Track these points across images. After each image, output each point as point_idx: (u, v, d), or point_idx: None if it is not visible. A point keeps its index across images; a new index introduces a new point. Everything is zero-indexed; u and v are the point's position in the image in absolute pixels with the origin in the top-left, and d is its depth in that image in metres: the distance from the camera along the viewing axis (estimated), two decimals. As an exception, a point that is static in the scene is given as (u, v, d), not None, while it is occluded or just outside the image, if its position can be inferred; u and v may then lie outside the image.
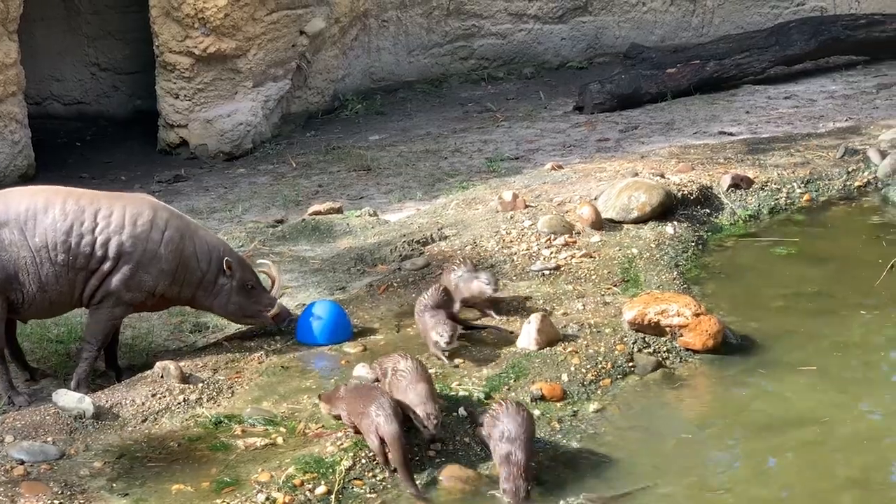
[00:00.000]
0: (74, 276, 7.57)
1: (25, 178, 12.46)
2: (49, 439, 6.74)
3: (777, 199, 10.41)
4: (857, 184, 10.75)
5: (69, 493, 6.15)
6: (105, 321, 7.77)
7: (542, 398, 7.13)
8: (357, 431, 6.57)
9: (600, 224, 9.54)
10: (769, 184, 10.54)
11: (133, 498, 6.16)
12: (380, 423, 6.35)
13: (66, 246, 7.50)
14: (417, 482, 6.36)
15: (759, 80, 15.58)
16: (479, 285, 8.07)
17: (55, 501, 6.03)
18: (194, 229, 7.95)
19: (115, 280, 7.64)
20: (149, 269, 7.67)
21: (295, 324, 8.08)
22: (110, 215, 7.61)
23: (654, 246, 9.28)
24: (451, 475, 6.44)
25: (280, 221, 11.02)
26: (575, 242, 9.31)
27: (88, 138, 15.18)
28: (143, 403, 7.12)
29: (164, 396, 7.20)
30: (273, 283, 8.09)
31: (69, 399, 6.99)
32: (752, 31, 16.38)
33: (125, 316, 7.97)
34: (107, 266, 7.61)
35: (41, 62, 15.01)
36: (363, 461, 6.45)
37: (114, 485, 6.30)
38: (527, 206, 10.01)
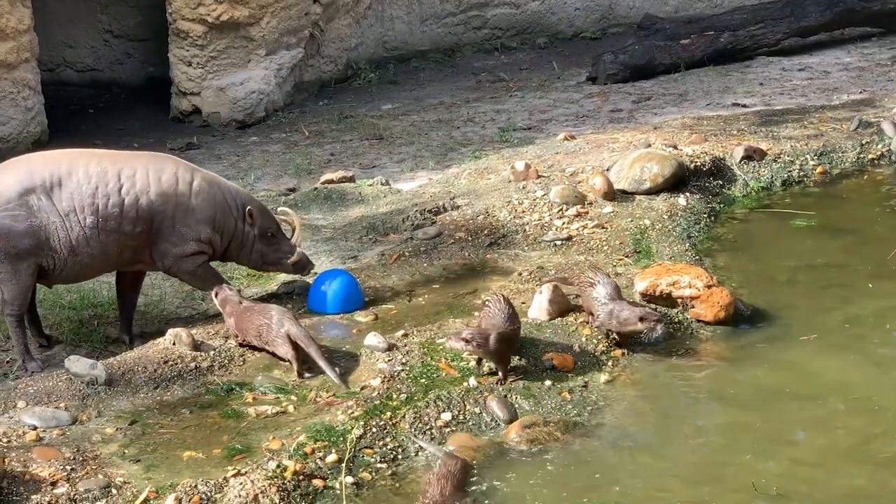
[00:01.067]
0: (107, 239, 7.58)
1: (38, 145, 12.46)
2: (61, 405, 6.77)
3: (790, 172, 10.38)
4: (870, 156, 10.71)
5: (81, 458, 6.17)
6: (191, 274, 8.02)
7: (554, 369, 7.13)
8: (252, 347, 7.27)
9: (612, 195, 9.53)
10: (782, 156, 10.51)
11: (145, 464, 6.18)
12: (290, 330, 7.06)
13: (93, 208, 7.52)
14: (427, 451, 6.39)
15: (774, 52, 15.51)
16: (634, 320, 7.26)
17: (67, 467, 6.05)
18: (218, 179, 8.10)
19: (157, 239, 7.73)
20: (186, 222, 7.74)
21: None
22: (134, 175, 7.64)
23: (666, 217, 9.27)
24: (461, 444, 6.46)
25: (292, 190, 11.01)
26: (587, 213, 9.31)
27: (101, 105, 15.18)
28: (155, 370, 7.14)
29: (176, 364, 7.22)
30: (294, 230, 8.20)
31: (82, 365, 7.01)
32: (766, 2, 16.28)
33: (203, 264, 8.02)
34: (139, 228, 7.64)
35: (54, 29, 15.00)
36: (374, 430, 6.47)
37: (125, 451, 6.33)
38: (539, 177, 10.00)
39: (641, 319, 7.18)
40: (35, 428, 6.50)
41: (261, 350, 7.32)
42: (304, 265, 8.21)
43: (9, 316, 7.60)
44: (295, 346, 7.12)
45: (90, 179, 7.55)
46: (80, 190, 7.51)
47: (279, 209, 8.42)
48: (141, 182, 7.64)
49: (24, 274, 7.51)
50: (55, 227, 7.47)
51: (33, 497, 5.80)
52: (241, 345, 7.41)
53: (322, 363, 7.06)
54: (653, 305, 7.76)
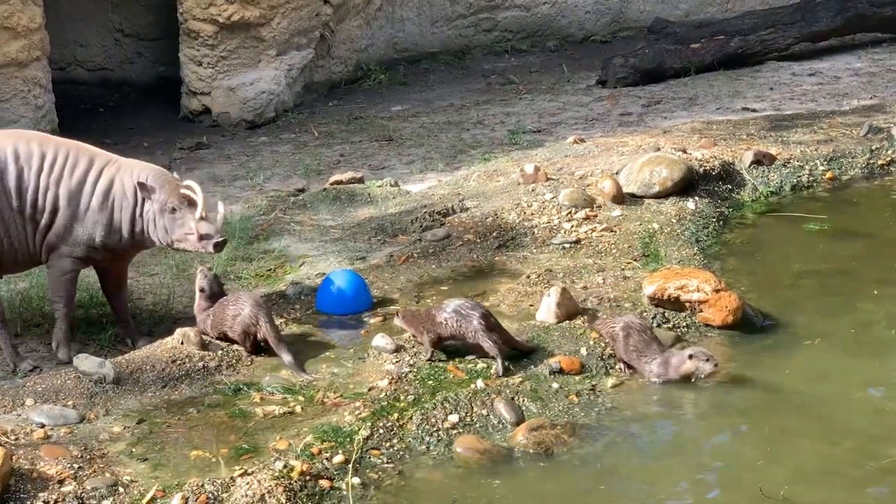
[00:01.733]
0: (28, 227, 7.60)
1: (48, 143, 12.47)
2: (69, 403, 6.79)
3: (799, 177, 10.38)
4: (880, 162, 10.71)
5: (88, 456, 6.19)
6: (59, 274, 7.78)
7: (561, 371, 7.14)
8: (226, 339, 7.43)
9: (621, 198, 9.53)
10: (792, 161, 10.51)
11: (152, 463, 6.20)
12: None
13: (17, 191, 7.53)
14: (433, 453, 6.40)
15: (784, 57, 15.50)
16: (697, 364, 7.09)
17: (74, 465, 6.06)
18: (124, 169, 7.77)
19: (52, 234, 7.64)
20: (84, 223, 7.67)
21: (221, 246, 7.84)
22: (53, 163, 7.61)
23: (675, 221, 9.27)
24: (467, 446, 6.46)
25: (301, 190, 11.02)
26: (596, 216, 9.31)
27: (112, 104, 15.20)
28: (163, 369, 7.16)
29: (184, 363, 7.23)
30: (198, 204, 7.69)
31: (90, 364, 7.02)
32: (777, 7, 16.29)
33: (76, 270, 7.85)
34: (45, 221, 7.62)
35: (65, 27, 15.02)
36: (381, 431, 6.48)
37: (133, 449, 6.34)
38: (548, 179, 10.00)
39: (691, 357, 7.07)
40: (43, 426, 6.51)
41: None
42: (210, 240, 7.65)
43: None
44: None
45: (17, 160, 7.53)
46: (8, 170, 7.51)
47: (185, 183, 7.83)
48: (56, 172, 7.60)
49: None
50: None
51: (41, 495, 5.81)
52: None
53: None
54: (660, 309, 7.77)
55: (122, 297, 8.12)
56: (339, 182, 10.85)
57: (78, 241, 7.66)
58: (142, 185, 7.64)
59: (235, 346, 7.43)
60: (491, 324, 7.13)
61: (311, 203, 10.37)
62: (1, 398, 6.83)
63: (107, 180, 7.67)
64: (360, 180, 10.93)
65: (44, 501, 5.78)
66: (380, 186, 10.71)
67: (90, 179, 7.64)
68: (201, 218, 7.65)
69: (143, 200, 7.67)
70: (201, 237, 7.64)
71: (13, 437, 6.35)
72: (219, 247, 7.71)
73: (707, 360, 7.04)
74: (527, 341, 7.33)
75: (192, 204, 7.68)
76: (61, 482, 5.92)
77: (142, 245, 7.91)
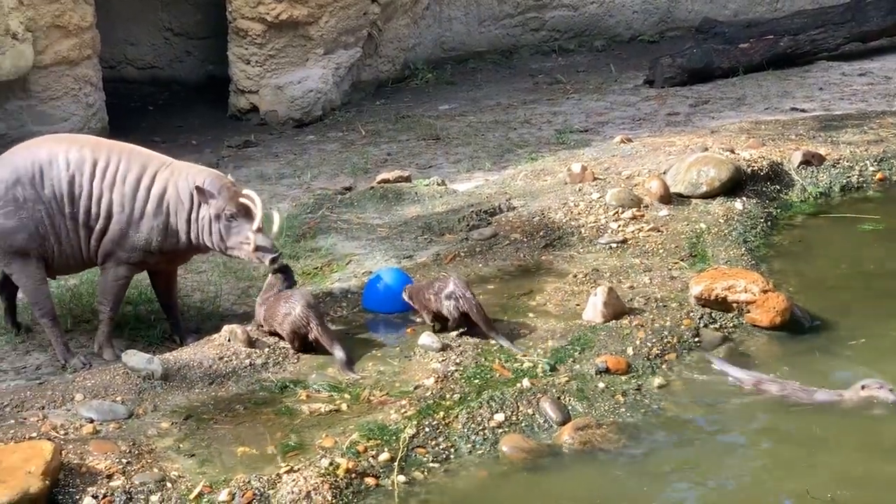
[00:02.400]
0: (82, 232, 7.62)
1: (98, 141, 12.56)
2: (118, 399, 6.83)
3: (849, 177, 10.31)
4: (931, 163, 10.63)
5: (137, 452, 6.23)
6: (113, 279, 7.80)
7: (607, 371, 7.12)
8: (273, 334, 7.46)
9: (668, 198, 9.50)
10: (841, 161, 10.44)
11: (199, 459, 6.23)
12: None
13: (70, 198, 7.56)
14: (479, 452, 6.41)
15: (834, 56, 15.41)
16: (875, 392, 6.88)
17: (123, 460, 6.10)
18: (179, 172, 7.74)
19: (107, 239, 7.67)
20: (139, 228, 7.67)
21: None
22: (106, 169, 7.62)
23: (722, 221, 9.23)
24: (513, 445, 6.46)
25: (348, 189, 11.04)
26: (643, 216, 9.29)
27: (161, 102, 15.30)
28: (211, 366, 7.19)
29: (231, 360, 7.26)
30: (256, 215, 7.67)
31: (139, 360, 7.06)
32: (827, 7, 16.20)
33: (130, 276, 7.87)
34: (100, 225, 7.64)
35: (116, 26, 15.13)
36: (427, 429, 6.48)
37: (180, 445, 6.37)
38: (595, 179, 9.99)
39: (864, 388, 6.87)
40: (92, 421, 6.56)
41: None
42: (266, 254, 7.63)
43: (41, 318, 7.70)
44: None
45: (68, 167, 7.57)
46: (60, 177, 7.54)
47: (244, 192, 7.78)
48: (109, 178, 7.61)
49: (34, 273, 7.61)
50: (41, 216, 7.51)
51: (89, 489, 5.86)
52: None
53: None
54: (707, 309, 7.74)
55: (172, 295, 8.16)
56: (386, 181, 10.87)
57: (134, 247, 7.69)
58: (199, 190, 7.60)
59: (282, 344, 7.46)
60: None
61: (358, 201, 10.40)
62: (51, 393, 6.88)
63: (161, 185, 7.68)
64: (408, 179, 10.94)
65: (93, 496, 5.82)
66: (427, 185, 10.72)
67: (144, 184, 7.65)
68: (258, 229, 7.62)
69: (200, 205, 7.64)
70: (257, 248, 7.61)
71: (63, 432, 6.40)
72: (274, 261, 7.66)
73: (880, 387, 6.86)
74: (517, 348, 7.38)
75: (249, 213, 7.65)
76: (110, 477, 5.96)
77: (197, 249, 7.89)
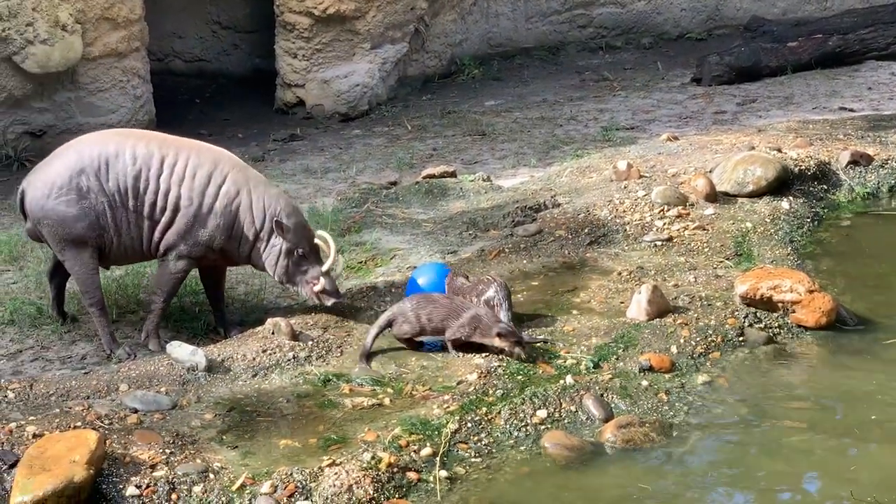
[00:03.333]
0: (143, 224, 7.67)
1: (146, 133, 12.63)
2: (162, 389, 6.86)
3: (897, 178, 10.26)
4: (979, 164, 10.55)
5: (180, 442, 6.25)
6: (170, 273, 7.83)
7: (651, 369, 7.10)
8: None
9: (714, 197, 9.47)
10: (890, 161, 10.37)
11: (242, 451, 6.25)
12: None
13: (135, 191, 7.60)
14: (521, 448, 6.40)
15: (883, 56, 15.29)
16: None
17: (166, 450, 6.13)
18: (255, 184, 7.83)
19: (172, 232, 7.71)
20: (206, 224, 7.71)
21: (341, 306, 7.95)
22: (174, 164, 7.67)
23: (768, 220, 9.19)
24: (556, 442, 6.45)
25: (394, 183, 11.06)
26: (688, 214, 9.25)
27: (208, 95, 15.37)
28: (254, 359, 7.22)
29: (275, 353, 7.29)
30: (327, 257, 7.84)
31: (183, 351, 7.10)
32: (877, 6, 16.08)
33: (189, 270, 7.93)
34: (165, 219, 7.68)
35: (164, 19, 15.20)
36: (469, 425, 6.48)
37: (223, 437, 6.40)
38: (641, 177, 9.96)
39: None
40: (136, 411, 6.59)
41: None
42: (330, 296, 7.83)
43: (90, 307, 7.75)
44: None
45: (135, 161, 7.61)
46: (126, 171, 7.58)
47: (317, 233, 8.00)
48: (178, 174, 7.65)
49: (88, 262, 7.65)
50: (102, 207, 7.55)
51: (133, 479, 5.89)
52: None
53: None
54: (752, 309, 7.71)
55: (220, 287, 8.22)
56: (432, 176, 10.88)
57: (198, 242, 7.73)
58: (279, 225, 7.69)
59: (326, 336, 7.48)
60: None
61: (403, 196, 10.41)
62: (96, 383, 6.92)
63: (234, 187, 7.73)
64: (453, 174, 10.95)
65: (136, 486, 5.85)
66: (472, 181, 10.72)
67: (215, 181, 7.70)
68: (326, 272, 7.80)
69: (272, 232, 7.76)
70: (323, 291, 7.79)
71: (107, 422, 6.43)
72: (337, 305, 7.86)
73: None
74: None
75: (318, 254, 7.83)
76: (153, 467, 5.99)
77: (254, 264, 7.97)
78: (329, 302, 7.81)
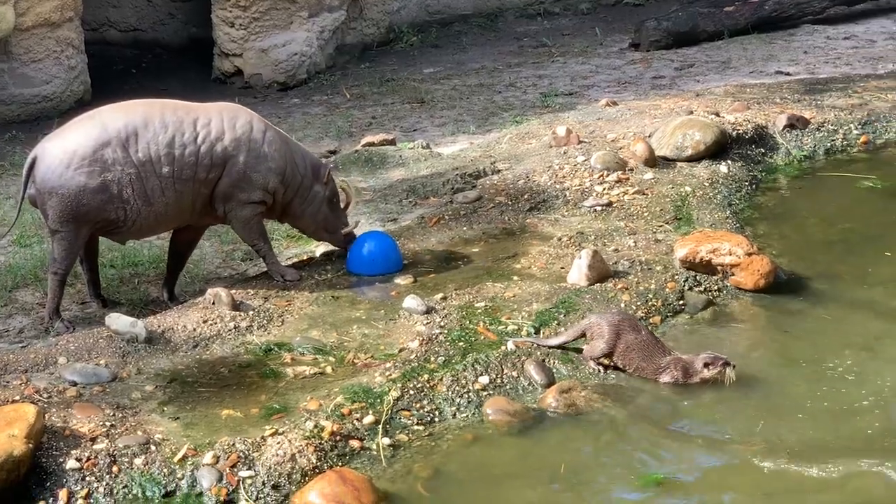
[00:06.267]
0: (182, 187, 7.58)
1: (81, 104, 12.50)
2: (102, 362, 6.81)
3: (833, 141, 10.34)
4: (916, 126, 10.67)
5: (121, 415, 6.22)
6: (245, 222, 7.86)
7: (592, 334, 7.13)
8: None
9: (654, 161, 9.51)
10: (826, 125, 10.46)
11: (183, 422, 6.22)
12: None
13: (169, 158, 7.54)
14: (463, 414, 6.41)
15: (819, 20, 15.39)
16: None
17: (107, 423, 6.09)
18: (288, 137, 8.08)
19: (224, 184, 7.67)
20: (257, 168, 7.72)
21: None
22: (209, 123, 7.64)
23: (707, 184, 9.24)
24: (498, 408, 6.47)
25: (333, 152, 11.03)
26: (628, 179, 9.29)
27: (144, 65, 15.21)
28: (195, 329, 7.18)
29: (216, 323, 7.25)
30: (348, 202, 8.26)
31: (122, 323, 7.05)
32: (812, -30, 16.16)
33: (259, 214, 7.92)
34: (213, 174, 7.64)
35: (98, -12, 15.04)
36: (411, 392, 6.48)
37: (165, 408, 6.36)
38: (580, 142, 9.98)
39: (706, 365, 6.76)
40: (75, 384, 6.54)
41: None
42: (351, 240, 8.21)
43: (55, 274, 7.63)
44: None
45: (167, 128, 7.56)
46: (157, 140, 7.52)
47: (341, 179, 8.30)
48: (216, 129, 7.63)
49: (84, 236, 7.55)
50: (129, 178, 7.47)
51: (73, 452, 5.85)
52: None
53: None
54: (692, 272, 7.76)
55: (186, 258, 8.22)
56: (371, 144, 10.85)
57: (254, 185, 7.74)
58: (329, 173, 8.05)
59: (267, 306, 7.46)
60: None
61: (343, 165, 10.38)
62: (34, 357, 6.86)
63: (277, 137, 7.86)
64: (392, 142, 10.93)
65: (76, 459, 5.81)
66: (411, 148, 10.70)
67: (258, 128, 7.77)
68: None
69: (313, 183, 7.99)
70: (346, 235, 8.21)
71: (46, 395, 6.38)
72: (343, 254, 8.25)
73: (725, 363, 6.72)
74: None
75: (341, 199, 8.21)
76: (94, 440, 5.95)
77: (293, 214, 8.08)
78: (344, 247, 8.23)
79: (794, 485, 5.84)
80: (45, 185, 7.39)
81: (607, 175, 9.31)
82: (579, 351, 6.94)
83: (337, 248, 8.30)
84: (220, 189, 7.68)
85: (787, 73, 13.08)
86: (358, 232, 8.38)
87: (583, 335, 6.94)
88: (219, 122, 7.66)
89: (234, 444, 5.93)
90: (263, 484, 5.81)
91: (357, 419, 6.24)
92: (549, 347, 6.97)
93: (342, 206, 8.24)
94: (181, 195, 7.58)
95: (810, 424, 6.35)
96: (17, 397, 6.29)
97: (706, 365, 6.69)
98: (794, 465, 5.97)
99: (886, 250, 8.41)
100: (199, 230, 8.18)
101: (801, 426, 6.34)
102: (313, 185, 7.98)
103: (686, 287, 7.69)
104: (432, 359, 6.78)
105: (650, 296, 7.55)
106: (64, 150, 7.39)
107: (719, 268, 7.80)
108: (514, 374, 6.74)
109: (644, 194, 9.05)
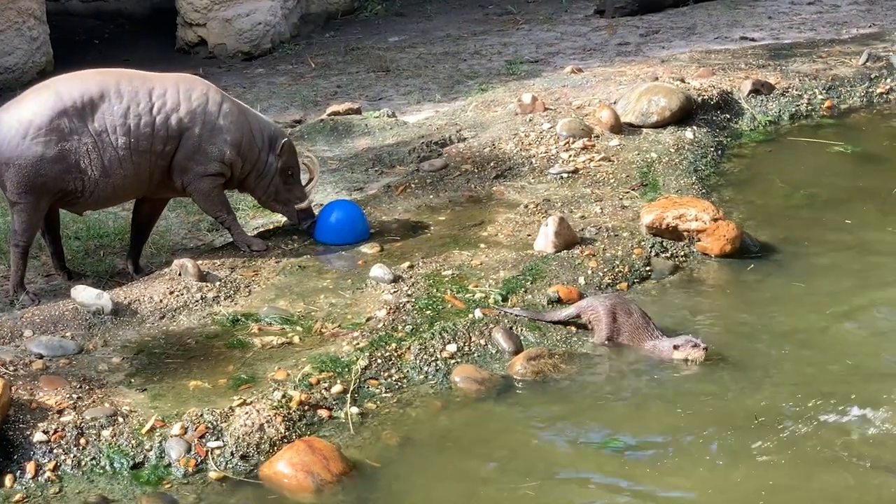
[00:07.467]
0: (139, 159, 7.53)
1: (43, 75, 12.36)
2: (68, 334, 6.79)
3: (798, 106, 10.38)
4: (879, 90, 10.72)
5: (88, 387, 6.20)
6: (204, 195, 7.82)
7: (559, 301, 7.15)
8: None
9: (619, 128, 9.51)
10: (790, 90, 10.49)
11: (151, 393, 6.21)
12: None
13: (125, 129, 7.49)
14: (431, 382, 6.42)
15: (783, -15, 15.42)
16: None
17: (73, 395, 6.07)
18: (246, 108, 8.03)
19: (181, 156, 7.62)
20: (212, 140, 7.66)
21: (313, 227, 8.09)
22: (164, 94, 7.58)
23: (673, 150, 9.26)
24: (466, 376, 6.48)
25: (298, 121, 10.99)
26: (594, 146, 9.29)
27: (106, 36, 15.11)
28: (161, 301, 7.15)
29: (182, 294, 7.23)
30: (311, 178, 8.18)
31: (88, 295, 7.01)
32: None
33: (219, 186, 7.88)
34: (169, 147, 7.59)
35: (59, -42, 14.92)
36: (379, 361, 6.49)
37: (132, 380, 6.35)
38: (546, 109, 9.97)
39: (677, 348, 6.73)
40: (41, 357, 6.51)
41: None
42: (308, 215, 8.12)
43: (16, 247, 7.57)
44: None
45: (122, 99, 7.49)
46: (112, 110, 7.46)
47: (305, 153, 8.27)
48: (171, 101, 7.58)
49: (43, 207, 7.49)
50: (86, 148, 7.43)
51: (40, 425, 5.83)
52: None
53: None
54: (658, 238, 7.78)
55: (149, 230, 8.15)
56: (337, 113, 10.81)
57: (210, 157, 7.69)
58: (285, 144, 7.94)
59: (233, 276, 7.44)
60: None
61: (309, 134, 10.34)
62: (-1, 330, 6.84)
63: (234, 108, 7.79)
64: (358, 111, 10.89)
65: (43, 431, 5.79)
66: (377, 117, 10.68)
67: (213, 100, 7.71)
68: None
69: (269, 152, 7.93)
70: (302, 211, 8.07)
71: (12, 369, 6.35)
72: (309, 228, 8.11)
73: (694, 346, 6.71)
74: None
75: (299, 176, 8.12)
76: (61, 412, 5.93)
77: (248, 186, 8.04)
78: (306, 224, 8.09)
79: (760, 446, 5.86)
80: (1, 156, 7.32)
81: (573, 142, 9.32)
82: (557, 323, 6.95)
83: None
84: (177, 161, 7.63)
85: (752, 39, 13.10)
86: (325, 201, 8.36)
87: (578, 316, 6.97)
88: (174, 93, 7.60)
89: (202, 415, 5.92)
90: (232, 454, 5.81)
91: (325, 388, 6.24)
92: (544, 322, 6.98)
93: (306, 181, 8.19)
94: (138, 167, 7.53)
95: (776, 387, 6.38)
96: (-17, 371, 6.26)
97: (675, 348, 6.70)
98: (760, 426, 6.00)
99: (851, 215, 8.46)
100: (160, 202, 8.12)
101: (767, 388, 6.37)
102: (268, 157, 7.93)
103: (653, 253, 7.72)
104: (400, 327, 6.78)
105: (617, 262, 7.57)
106: (20, 121, 7.32)
107: (685, 234, 7.83)
108: (482, 342, 6.75)
109: (610, 161, 9.06)
